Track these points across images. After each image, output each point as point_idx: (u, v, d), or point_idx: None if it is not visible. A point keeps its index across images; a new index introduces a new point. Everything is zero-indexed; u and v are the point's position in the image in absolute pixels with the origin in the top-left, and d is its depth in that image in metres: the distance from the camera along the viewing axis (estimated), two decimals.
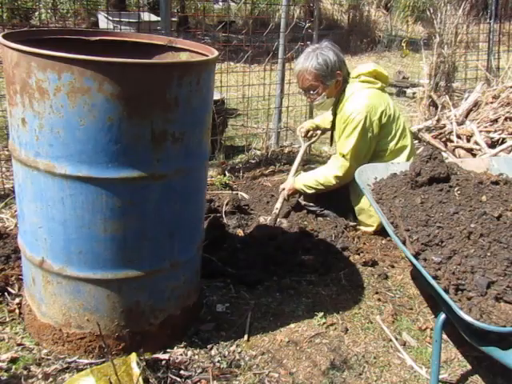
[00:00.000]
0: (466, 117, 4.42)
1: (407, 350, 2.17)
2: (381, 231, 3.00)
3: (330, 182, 3.01)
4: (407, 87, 7.02)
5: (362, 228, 3.11)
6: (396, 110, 3.02)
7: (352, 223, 3.12)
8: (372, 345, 2.19)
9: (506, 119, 4.16)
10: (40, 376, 1.86)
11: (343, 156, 2.94)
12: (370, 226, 3.07)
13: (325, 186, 3.04)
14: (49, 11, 7.61)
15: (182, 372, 1.91)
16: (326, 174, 3.03)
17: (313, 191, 3.11)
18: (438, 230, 1.90)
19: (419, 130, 4.36)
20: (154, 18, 6.69)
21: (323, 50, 2.94)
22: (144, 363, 1.79)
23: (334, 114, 3.11)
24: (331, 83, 2.96)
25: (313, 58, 2.92)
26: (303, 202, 3.27)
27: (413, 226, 1.97)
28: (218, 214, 3.07)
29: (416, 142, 4.33)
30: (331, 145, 3.52)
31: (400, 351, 2.16)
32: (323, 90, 2.97)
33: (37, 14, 7.54)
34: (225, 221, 3.06)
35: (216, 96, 3.66)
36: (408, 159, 2.90)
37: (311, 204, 3.23)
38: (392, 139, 2.97)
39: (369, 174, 2.37)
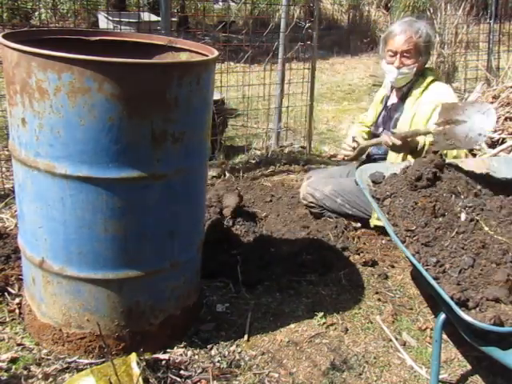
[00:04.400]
0: None
1: (407, 350, 2.17)
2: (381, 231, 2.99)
3: None
4: None
5: (378, 223, 2.92)
6: None
7: (354, 224, 3.10)
8: (372, 345, 2.19)
9: (505, 119, 4.15)
10: (40, 376, 1.86)
11: None
12: None
13: None
14: (49, 11, 7.62)
15: (182, 372, 1.91)
16: None
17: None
18: (437, 231, 1.90)
19: None
20: (154, 17, 6.68)
21: (428, 27, 2.87)
22: (144, 363, 1.79)
23: (403, 97, 2.97)
24: (422, 59, 2.88)
25: (425, 26, 2.85)
26: (305, 202, 3.25)
27: (413, 226, 1.97)
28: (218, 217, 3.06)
29: None
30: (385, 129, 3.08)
31: (400, 351, 2.16)
32: (414, 62, 2.85)
33: (37, 13, 7.54)
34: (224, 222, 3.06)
35: (216, 96, 3.66)
36: None
37: (312, 204, 3.21)
38: None
39: (369, 174, 2.36)
